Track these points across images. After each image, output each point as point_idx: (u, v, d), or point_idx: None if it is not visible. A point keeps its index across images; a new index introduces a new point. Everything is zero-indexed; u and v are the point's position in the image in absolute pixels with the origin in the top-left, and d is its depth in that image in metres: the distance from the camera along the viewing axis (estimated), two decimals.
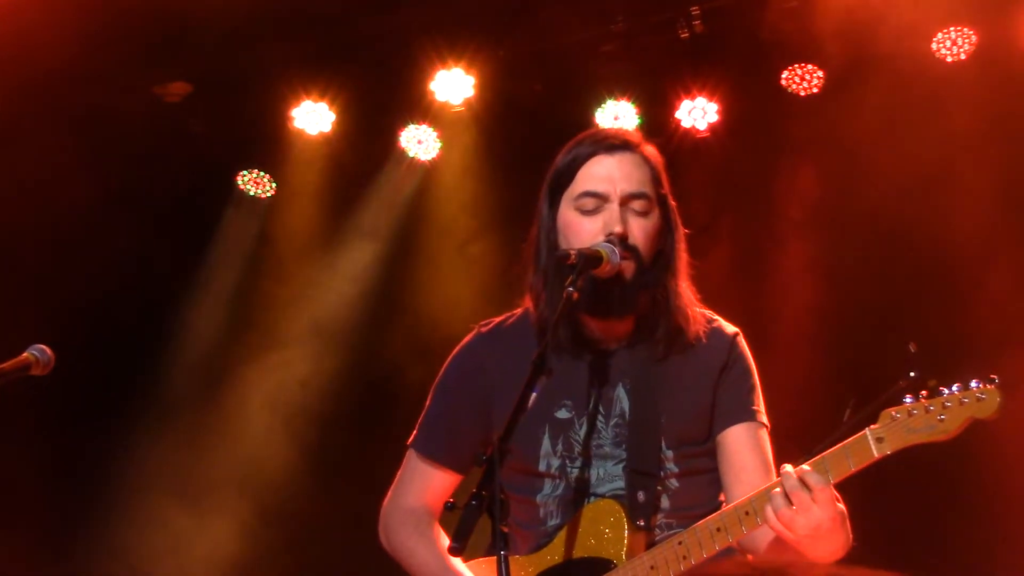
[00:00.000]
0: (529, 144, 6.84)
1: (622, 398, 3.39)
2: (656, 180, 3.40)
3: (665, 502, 3.35)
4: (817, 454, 3.12)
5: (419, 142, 7.38)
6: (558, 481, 3.39)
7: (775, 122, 7.01)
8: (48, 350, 3.33)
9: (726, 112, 7.00)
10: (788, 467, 3.09)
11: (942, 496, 6.40)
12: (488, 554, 3.37)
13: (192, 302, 7.52)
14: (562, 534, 3.34)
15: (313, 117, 7.28)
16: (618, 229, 3.26)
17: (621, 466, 3.35)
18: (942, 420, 3.00)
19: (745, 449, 3.38)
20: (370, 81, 7.19)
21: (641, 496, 3.30)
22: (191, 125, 7.33)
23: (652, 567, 3.20)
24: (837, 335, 6.81)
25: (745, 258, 6.91)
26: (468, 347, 3.59)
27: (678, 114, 7.03)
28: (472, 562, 3.44)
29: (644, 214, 3.34)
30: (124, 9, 6.12)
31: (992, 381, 2.99)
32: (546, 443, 3.39)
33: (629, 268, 3.28)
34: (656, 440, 3.35)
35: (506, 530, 2.75)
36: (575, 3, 6.70)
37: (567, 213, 3.37)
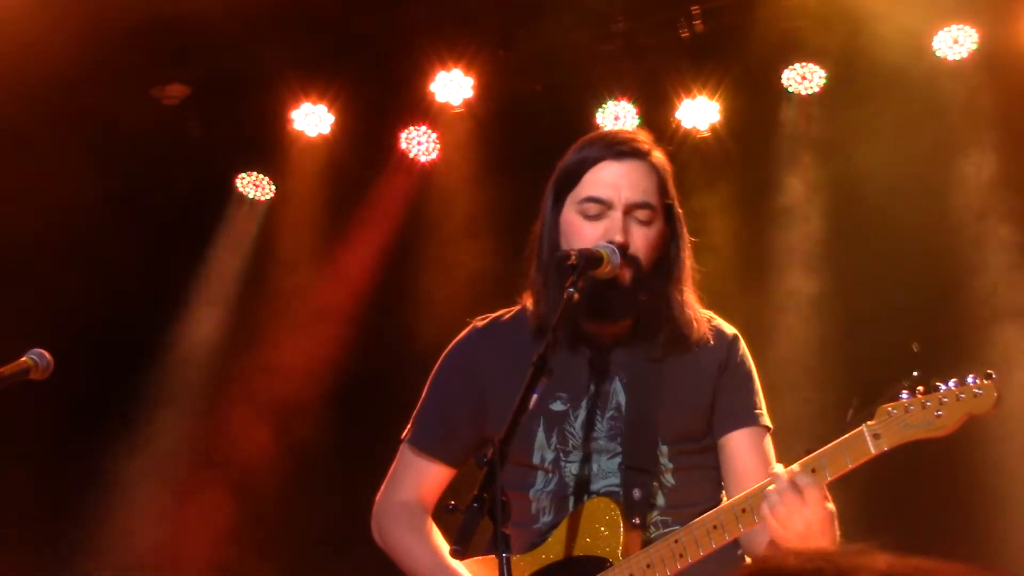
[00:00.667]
0: (529, 144, 6.83)
1: (618, 391, 3.38)
2: (663, 189, 3.37)
3: (661, 499, 3.33)
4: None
5: (419, 143, 7.37)
6: (551, 475, 3.37)
7: (776, 121, 7.00)
8: (47, 354, 3.32)
9: (727, 112, 6.99)
10: (779, 467, 3.10)
11: (944, 489, 6.39)
12: (485, 553, 3.35)
13: (192, 304, 7.51)
14: (556, 532, 3.32)
15: (312, 119, 7.28)
16: (619, 238, 3.25)
17: (616, 461, 3.33)
18: (939, 416, 2.98)
19: (748, 454, 3.37)
20: (369, 83, 7.18)
21: (637, 493, 3.29)
22: (190, 128, 7.32)
23: (648, 565, 3.19)
24: (839, 334, 6.80)
25: (746, 257, 6.89)
26: (464, 341, 3.58)
27: (679, 114, 7.02)
28: (467, 561, 3.41)
29: (647, 223, 3.32)
30: (122, 12, 6.10)
31: (989, 376, 2.97)
32: (540, 435, 3.37)
33: (627, 275, 3.27)
34: (652, 435, 3.34)
35: (508, 532, 2.74)
36: (575, 3, 6.68)
37: (570, 215, 3.35)
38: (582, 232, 3.30)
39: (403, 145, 7.37)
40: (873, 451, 3.02)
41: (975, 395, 2.95)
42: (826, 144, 6.95)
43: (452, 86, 7.09)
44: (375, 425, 6.84)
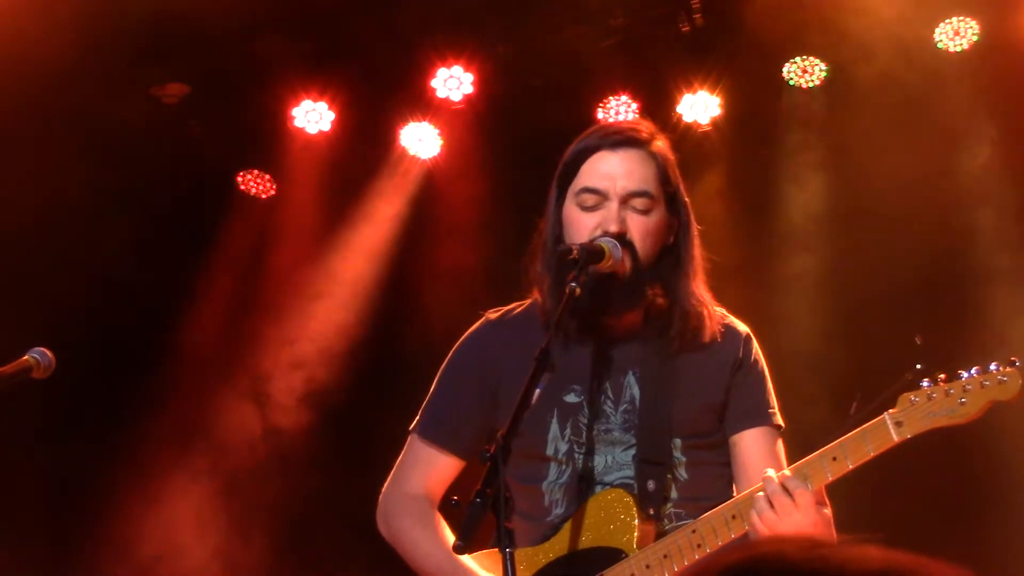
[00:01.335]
0: (530, 140, 6.83)
1: (632, 384, 3.37)
2: (663, 177, 3.35)
3: (674, 492, 3.33)
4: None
5: (420, 140, 7.36)
6: (564, 467, 3.37)
7: (777, 115, 6.99)
8: (49, 353, 3.31)
9: (728, 106, 6.98)
10: (770, 471, 3.10)
11: (947, 487, 6.39)
12: (494, 546, 3.34)
13: (192, 304, 7.49)
14: (569, 524, 3.31)
15: (313, 116, 7.26)
16: (613, 228, 3.24)
17: (630, 454, 3.33)
18: (963, 403, 2.99)
19: (759, 454, 3.37)
20: (370, 79, 7.16)
21: (651, 485, 3.28)
22: (190, 126, 7.30)
23: (665, 556, 3.18)
24: (841, 328, 6.80)
25: (748, 252, 6.88)
26: (476, 334, 3.57)
27: (679, 108, 7.00)
28: (477, 554, 3.41)
29: (645, 212, 3.30)
30: (120, 10, 6.09)
31: (1013, 364, 2.99)
32: (554, 427, 3.37)
33: (626, 266, 3.25)
34: (666, 429, 3.33)
35: (511, 527, 2.74)
36: None
37: (569, 207, 3.35)
38: (580, 224, 3.29)
39: (404, 142, 7.36)
40: (896, 438, 3.04)
41: (1000, 382, 2.97)
42: (827, 137, 6.94)
43: (452, 82, 7.08)
44: (377, 420, 6.84)
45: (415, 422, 3.59)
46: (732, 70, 6.90)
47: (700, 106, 6.99)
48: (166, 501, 7.21)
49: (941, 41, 6.66)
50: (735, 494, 3.36)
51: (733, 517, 3.14)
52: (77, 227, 6.80)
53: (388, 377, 7.10)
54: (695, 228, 3.43)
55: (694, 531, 3.17)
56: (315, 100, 7.21)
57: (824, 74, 6.90)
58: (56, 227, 6.74)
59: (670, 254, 3.37)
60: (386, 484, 3.60)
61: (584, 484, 3.33)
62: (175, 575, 7.11)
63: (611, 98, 6.96)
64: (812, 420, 5.90)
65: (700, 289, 3.40)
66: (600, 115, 6.96)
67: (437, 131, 7.32)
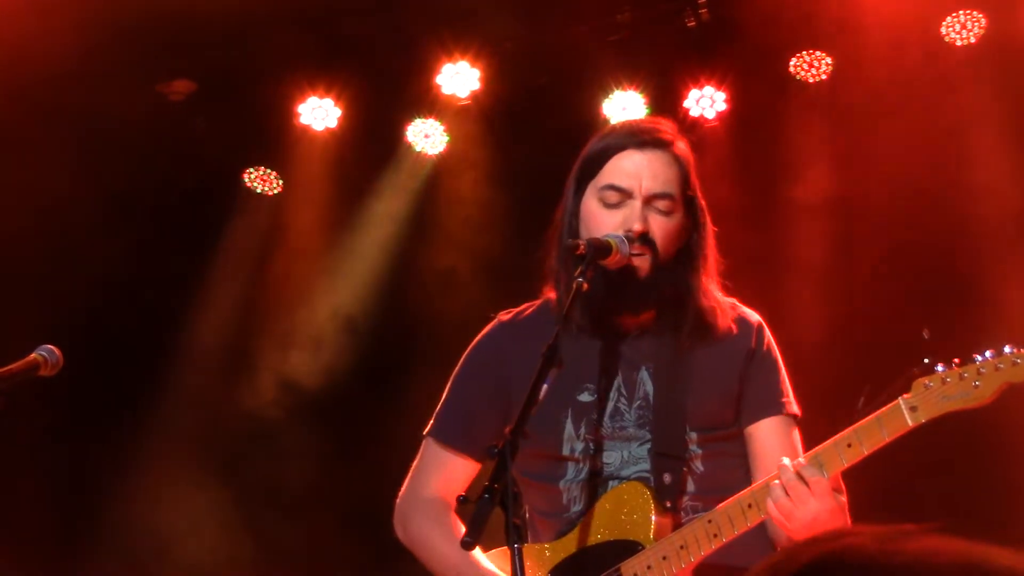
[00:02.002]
0: (536, 136, 6.83)
1: (645, 380, 3.37)
2: (684, 180, 3.38)
3: (691, 485, 3.34)
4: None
5: (426, 136, 7.36)
6: (581, 465, 3.37)
7: (784, 110, 6.97)
8: (56, 350, 3.32)
9: (735, 101, 6.97)
10: (786, 460, 3.10)
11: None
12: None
13: (200, 301, 7.50)
14: (587, 518, 3.32)
15: (319, 113, 7.26)
16: (637, 227, 3.25)
17: (646, 448, 3.33)
18: (977, 386, 2.99)
19: (775, 443, 3.37)
20: (376, 76, 7.16)
21: (667, 478, 3.29)
22: (196, 124, 7.30)
23: (682, 546, 3.19)
24: (850, 322, 6.79)
25: (756, 245, 6.87)
26: (489, 336, 3.58)
27: (686, 103, 6.99)
28: (493, 552, 3.42)
29: (667, 214, 3.32)
30: (126, 7, 6.09)
31: None
32: (569, 427, 3.37)
33: (645, 265, 3.27)
34: (681, 422, 3.34)
35: (519, 523, 2.74)
36: None
37: (590, 202, 3.35)
38: (601, 221, 3.29)
39: (410, 138, 7.36)
40: (911, 423, 3.04)
41: (1014, 364, 2.98)
42: (834, 131, 6.92)
43: (458, 78, 7.07)
44: (386, 419, 6.85)
45: (429, 426, 3.60)
46: (738, 65, 6.89)
47: (706, 101, 6.99)
48: (169, 499, 7.21)
49: (948, 35, 6.65)
50: (752, 482, 3.37)
51: (749, 506, 3.15)
52: (83, 224, 6.81)
53: (395, 375, 7.10)
54: (711, 230, 3.45)
55: (710, 521, 3.17)
56: (321, 97, 7.21)
57: (830, 68, 6.88)
58: (61, 224, 6.74)
59: (686, 254, 3.38)
60: (402, 489, 3.61)
61: (601, 480, 3.34)
62: (176, 574, 7.12)
63: (618, 93, 6.95)
64: (819, 414, 5.88)
65: (713, 287, 3.42)
66: (606, 110, 6.95)
67: (443, 127, 7.32)
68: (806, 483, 3.03)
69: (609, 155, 3.34)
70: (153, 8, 6.15)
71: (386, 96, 7.24)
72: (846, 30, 6.56)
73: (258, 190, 7.64)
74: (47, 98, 6.41)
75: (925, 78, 6.62)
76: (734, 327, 3.42)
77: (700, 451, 3.35)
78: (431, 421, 3.59)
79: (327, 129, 7.31)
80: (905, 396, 3.05)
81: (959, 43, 6.64)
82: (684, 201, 3.37)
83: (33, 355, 3.28)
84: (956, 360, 3.04)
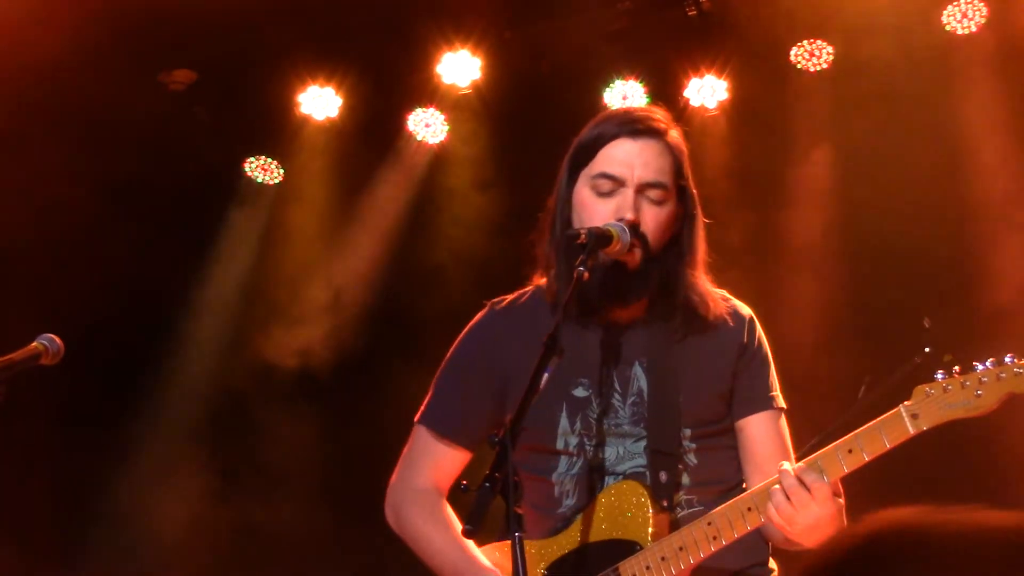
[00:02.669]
0: (537, 125, 6.81)
1: (639, 376, 3.37)
2: (677, 169, 3.36)
3: (685, 479, 3.34)
4: (834, 436, 3.13)
5: (427, 125, 7.35)
6: (575, 459, 3.36)
7: (785, 99, 6.96)
8: (57, 339, 3.31)
9: (735, 90, 6.96)
10: (786, 464, 3.10)
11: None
12: (503, 538, 3.34)
13: (201, 291, 7.50)
14: (581, 516, 3.31)
15: (320, 102, 7.26)
16: (629, 216, 3.23)
17: (641, 445, 3.32)
18: (979, 395, 2.98)
19: (766, 438, 3.39)
20: (376, 65, 7.16)
21: (663, 476, 3.29)
22: (197, 113, 7.30)
23: (681, 548, 3.18)
24: (848, 312, 6.79)
25: (755, 235, 6.87)
26: (481, 323, 3.56)
27: (687, 92, 6.98)
28: (487, 547, 3.41)
29: (659, 203, 3.30)
30: None
31: None
32: (563, 421, 3.36)
33: (636, 255, 3.26)
34: (675, 419, 3.33)
35: (520, 512, 2.74)
36: None
37: (583, 190, 3.34)
38: (594, 209, 3.28)
39: (411, 127, 7.35)
40: (912, 431, 3.04)
41: (1016, 374, 2.97)
42: (834, 120, 6.92)
43: (459, 67, 7.07)
44: (386, 408, 6.85)
45: (420, 413, 3.57)
46: (739, 54, 6.88)
47: (707, 90, 6.98)
48: (171, 498, 7.21)
49: (949, 23, 6.64)
50: (744, 476, 3.38)
51: (749, 509, 3.15)
52: (85, 215, 6.80)
53: (395, 363, 7.10)
54: (701, 220, 3.43)
55: (710, 523, 3.17)
56: (322, 86, 7.21)
57: (831, 57, 6.87)
58: (64, 215, 6.74)
59: (676, 244, 3.37)
60: (393, 476, 3.59)
61: (596, 475, 3.33)
62: (177, 573, 7.12)
63: (618, 82, 6.94)
64: (819, 404, 5.89)
65: (702, 278, 3.41)
66: (607, 100, 6.94)
67: (444, 117, 7.31)
68: (807, 488, 3.03)
69: (602, 143, 3.33)
70: None
71: (387, 85, 7.24)
72: (847, 19, 6.55)
73: (259, 179, 7.64)
74: (48, 87, 6.40)
75: (926, 66, 6.61)
76: (728, 319, 3.42)
77: (694, 445, 3.34)
78: (422, 408, 3.57)
79: (328, 118, 7.31)
80: (907, 403, 3.05)
81: (960, 32, 6.64)
82: (676, 190, 3.35)
83: (34, 344, 3.27)
84: (957, 368, 3.03)
